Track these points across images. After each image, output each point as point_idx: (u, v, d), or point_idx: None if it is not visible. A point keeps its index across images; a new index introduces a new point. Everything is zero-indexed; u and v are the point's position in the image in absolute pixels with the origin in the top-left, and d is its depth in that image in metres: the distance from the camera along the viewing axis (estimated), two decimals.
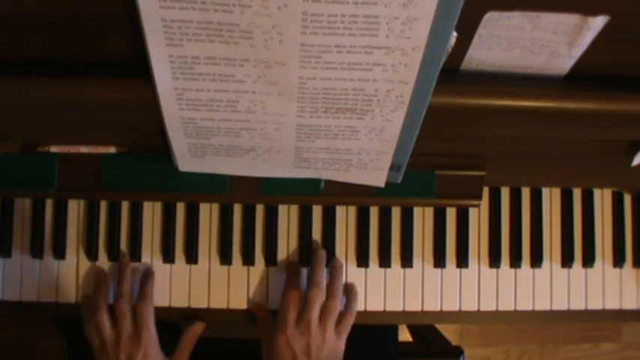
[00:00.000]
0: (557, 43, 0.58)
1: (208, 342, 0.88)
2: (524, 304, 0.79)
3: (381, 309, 0.77)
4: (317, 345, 0.69)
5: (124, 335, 0.69)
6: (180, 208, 0.77)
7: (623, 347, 1.64)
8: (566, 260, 0.79)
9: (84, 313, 0.74)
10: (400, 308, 0.78)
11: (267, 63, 0.53)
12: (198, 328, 0.75)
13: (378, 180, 0.69)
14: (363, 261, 0.77)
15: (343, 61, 0.53)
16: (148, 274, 0.75)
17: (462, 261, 0.78)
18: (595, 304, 0.79)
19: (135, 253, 0.76)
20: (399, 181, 0.68)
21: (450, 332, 1.43)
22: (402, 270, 0.78)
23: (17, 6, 0.53)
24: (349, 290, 0.76)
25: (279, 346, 0.69)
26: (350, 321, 0.73)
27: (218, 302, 0.77)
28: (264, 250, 0.77)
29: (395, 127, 0.60)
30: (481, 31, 0.57)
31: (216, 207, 0.77)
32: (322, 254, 0.75)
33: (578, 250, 0.80)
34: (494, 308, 0.78)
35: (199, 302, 0.76)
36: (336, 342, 0.71)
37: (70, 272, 0.76)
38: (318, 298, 0.71)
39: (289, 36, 0.50)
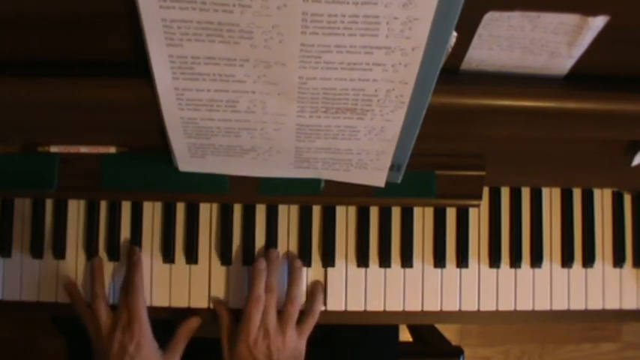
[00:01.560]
0: (557, 43, 0.58)
1: (208, 342, 0.88)
2: (524, 304, 0.79)
3: (381, 309, 0.77)
4: (277, 347, 0.70)
5: (120, 325, 0.70)
6: (180, 208, 0.77)
7: (623, 347, 1.64)
8: (566, 260, 0.79)
9: (75, 299, 0.74)
10: (400, 308, 0.78)
11: (267, 63, 0.53)
12: (194, 323, 0.75)
13: (378, 180, 0.69)
14: (363, 261, 0.77)
15: (343, 61, 0.53)
16: (135, 265, 0.74)
17: (462, 261, 0.78)
18: (595, 304, 0.79)
19: None
20: (399, 181, 0.68)
21: (450, 332, 1.43)
22: (402, 270, 0.78)
23: (17, 6, 0.53)
24: (314, 291, 0.76)
25: (242, 354, 0.70)
26: (311, 322, 0.74)
27: None
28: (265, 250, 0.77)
29: (395, 127, 0.60)
30: (481, 31, 0.57)
31: (216, 207, 0.77)
32: (274, 254, 0.75)
33: (578, 250, 0.80)
34: (494, 308, 0.78)
35: (199, 302, 0.76)
36: (296, 343, 0.72)
37: (70, 272, 0.76)
38: (273, 301, 0.71)
39: (289, 36, 0.50)
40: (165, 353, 0.72)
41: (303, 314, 0.74)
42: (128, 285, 0.72)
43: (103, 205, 0.77)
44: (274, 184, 0.70)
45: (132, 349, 0.69)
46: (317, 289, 0.76)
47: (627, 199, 0.81)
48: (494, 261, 0.78)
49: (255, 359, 0.69)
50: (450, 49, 0.55)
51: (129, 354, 0.68)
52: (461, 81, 0.61)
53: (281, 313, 0.72)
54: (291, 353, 0.71)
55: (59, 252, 0.76)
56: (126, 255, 0.75)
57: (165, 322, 0.75)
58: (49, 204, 0.77)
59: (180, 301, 0.76)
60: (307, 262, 0.77)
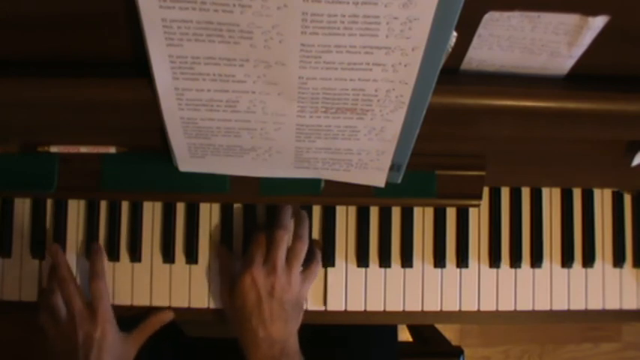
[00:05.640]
0: (557, 43, 0.58)
1: (209, 342, 0.88)
2: (524, 304, 0.79)
3: (381, 309, 0.77)
4: (282, 286, 0.69)
5: (78, 316, 0.69)
6: (180, 208, 0.77)
7: (623, 347, 1.64)
8: (566, 260, 0.79)
9: (39, 303, 0.74)
10: (400, 308, 0.78)
11: (267, 63, 0.53)
12: (166, 316, 0.75)
13: (378, 180, 0.69)
14: (363, 261, 0.77)
15: (343, 61, 0.53)
16: (96, 252, 0.74)
17: (462, 261, 0.78)
18: (595, 304, 0.79)
19: (135, 253, 0.76)
20: (399, 181, 0.68)
21: (450, 332, 1.43)
22: (402, 270, 0.78)
23: (17, 6, 0.53)
24: (313, 242, 0.76)
25: (244, 285, 0.68)
26: (316, 269, 0.74)
27: (218, 302, 0.76)
28: None
29: (395, 127, 0.60)
30: (481, 31, 0.57)
31: (216, 207, 0.77)
32: (288, 205, 0.74)
33: (578, 250, 0.80)
34: (494, 308, 0.78)
35: (199, 302, 0.76)
36: (300, 286, 0.71)
37: None
38: (284, 238, 0.70)
39: (289, 36, 0.50)
40: (130, 335, 0.73)
41: (307, 261, 0.73)
42: (90, 273, 0.72)
43: (103, 205, 0.77)
44: (274, 184, 0.70)
45: (98, 335, 0.68)
46: (316, 241, 0.77)
47: (627, 199, 0.81)
48: (494, 261, 0.78)
49: (257, 294, 0.68)
50: (450, 49, 0.55)
51: (96, 341, 0.68)
52: (461, 81, 0.61)
53: (288, 251, 0.71)
54: (294, 297, 0.70)
55: None
56: (53, 244, 0.74)
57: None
58: (49, 204, 0.77)
59: (180, 301, 0.76)
60: (306, 262, 0.77)
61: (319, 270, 0.75)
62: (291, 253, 0.71)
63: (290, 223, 0.73)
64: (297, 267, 0.71)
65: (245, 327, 0.69)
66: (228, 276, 0.73)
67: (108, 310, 0.71)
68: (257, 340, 0.68)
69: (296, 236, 0.72)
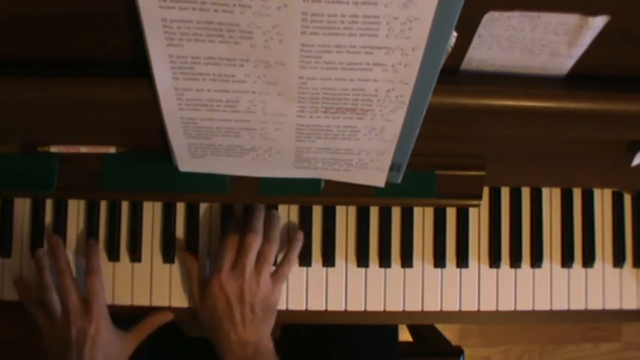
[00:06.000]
0: (557, 43, 0.58)
1: (209, 342, 0.88)
2: (524, 304, 0.79)
3: (381, 309, 0.77)
4: (251, 290, 0.69)
5: (73, 311, 0.69)
6: (180, 208, 0.77)
7: (623, 347, 1.64)
8: (566, 260, 0.79)
9: (24, 296, 0.74)
10: (400, 308, 0.78)
11: (267, 63, 0.53)
12: (166, 316, 0.75)
13: (378, 180, 0.69)
14: (363, 261, 0.77)
15: (343, 61, 0.53)
16: (92, 247, 0.74)
17: (462, 261, 0.78)
18: (595, 304, 0.79)
19: (135, 253, 0.76)
20: (399, 181, 0.68)
21: (450, 332, 1.43)
22: (402, 270, 0.78)
23: (17, 6, 0.53)
24: (292, 239, 0.75)
25: (213, 291, 0.69)
26: (287, 269, 0.73)
27: None
28: None
29: (395, 127, 0.60)
30: (481, 31, 0.57)
31: (216, 207, 0.77)
32: (261, 205, 0.74)
33: (578, 250, 0.80)
34: (494, 308, 0.78)
35: None
36: (271, 289, 0.71)
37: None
38: (255, 243, 0.70)
39: (289, 36, 0.50)
40: (128, 333, 0.73)
41: (279, 261, 0.74)
42: (86, 269, 0.72)
43: (103, 205, 0.77)
44: (274, 184, 0.70)
45: (92, 331, 0.68)
46: (295, 237, 0.75)
47: (627, 199, 0.81)
48: (494, 261, 0.78)
49: (226, 298, 0.68)
50: (450, 49, 0.55)
51: (90, 337, 0.68)
52: (461, 81, 0.61)
53: (257, 254, 0.71)
54: (264, 300, 0.70)
55: None
56: (53, 236, 0.74)
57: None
58: (49, 204, 0.77)
59: (180, 301, 0.76)
60: (307, 262, 0.77)
61: (290, 270, 0.74)
62: (260, 256, 0.71)
63: (261, 228, 0.72)
64: (267, 270, 0.71)
65: (217, 331, 0.69)
66: (197, 281, 0.73)
67: (103, 306, 0.71)
68: (230, 343, 0.68)
69: (265, 239, 0.71)
